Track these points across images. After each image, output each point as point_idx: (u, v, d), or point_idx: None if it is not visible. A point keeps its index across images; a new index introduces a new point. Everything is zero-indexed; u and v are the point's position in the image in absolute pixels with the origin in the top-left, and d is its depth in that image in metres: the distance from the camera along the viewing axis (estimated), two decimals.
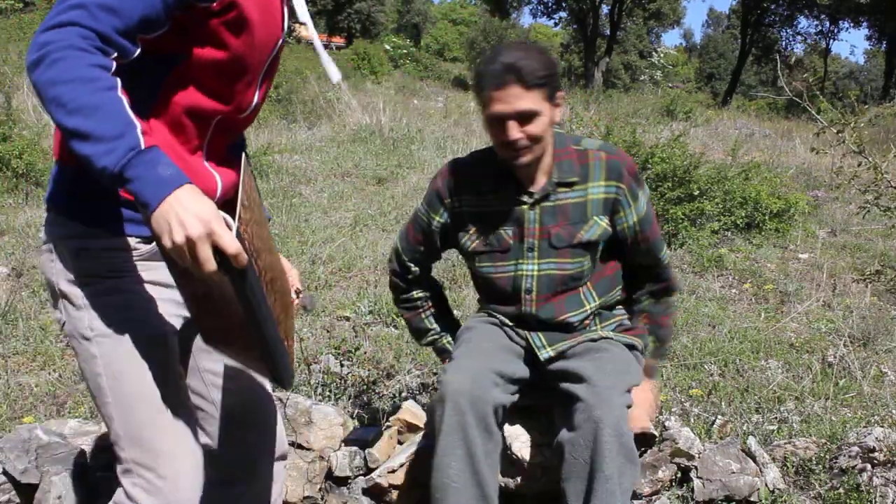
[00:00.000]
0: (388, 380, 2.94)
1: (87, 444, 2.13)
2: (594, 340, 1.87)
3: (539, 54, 1.70)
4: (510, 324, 1.94)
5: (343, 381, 2.75)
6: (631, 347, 1.91)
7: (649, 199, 1.91)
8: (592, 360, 1.79)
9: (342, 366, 2.82)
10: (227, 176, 1.36)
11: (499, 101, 1.67)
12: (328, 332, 3.46)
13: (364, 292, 4.01)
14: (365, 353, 3.06)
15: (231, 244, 1.02)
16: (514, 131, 1.69)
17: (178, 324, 1.35)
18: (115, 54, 1.09)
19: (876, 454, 2.14)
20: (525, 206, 1.83)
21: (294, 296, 1.55)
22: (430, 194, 1.93)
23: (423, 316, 2.07)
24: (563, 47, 47.13)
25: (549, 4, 35.46)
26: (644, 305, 1.99)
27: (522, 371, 1.86)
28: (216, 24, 1.18)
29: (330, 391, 2.70)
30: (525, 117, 1.68)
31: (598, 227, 1.83)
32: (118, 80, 1.08)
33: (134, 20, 1.09)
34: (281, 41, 1.34)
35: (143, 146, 1.04)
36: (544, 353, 1.87)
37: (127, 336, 1.26)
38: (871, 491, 2.06)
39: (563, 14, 35.91)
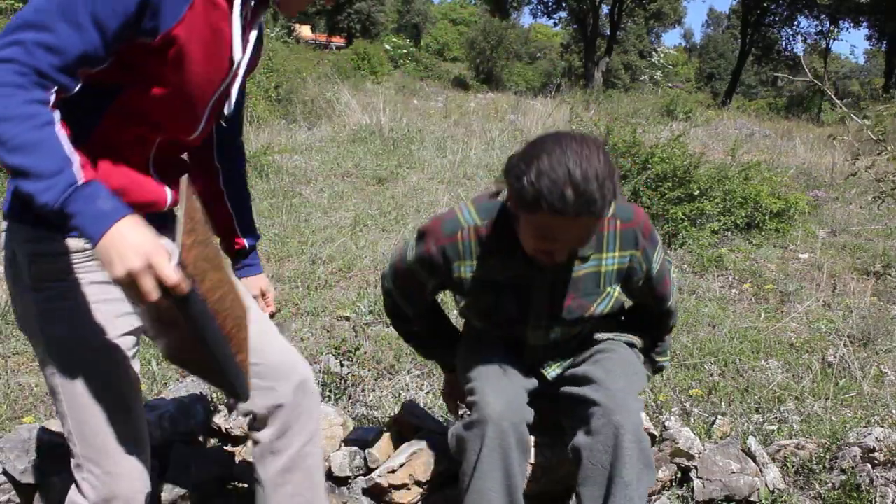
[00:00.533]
0: (388, 380, 2.95)
1: None
2: (596, 343, 1.86)
3: (610, 171, 1.39)
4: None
5: (343, 381, 2.76)
6: (630, 346, 1.90)
7: (663, 252, 1.78)
8: (599, 362, 1.77)
9: (342, 366, 2.83)
10: (176, 187, 1.38)
11: (560, 229, 1.43)
12: (328, 332, 3.46)
13: (364, 292, 4.01)
14: (365, 353, 3.07)
15: (169, 276, 1.04)
16: (564, 254, 1.52)
17: (135, 321, 1.38)
18: (56, 88, 1.09)
19: (876, 454, 2.14)
20: (535, 280, 1.68)
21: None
22: (420, 255, 1.69)
23: (424, 342, 2.04)
24: (563, 47, 47.09)
25: (549, 4, 35.53)
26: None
27: (533, 383, 1.83)
28: (157, 59, 1.20)
29: (330, 391, 2.70)
30: (580, 241, 1.51)
31: (611, 298, 1.74)
32: (57, 114, 1.08)
33: (72, 57, 1.09)
34: (231, 75, 1.34)
35: (81, 181, 1.05)
36: (552, 372, 1.85)
37: (80, 341, 1.30)
38: (871, 491, 2.06)
39: (563, 14, 36.00)
